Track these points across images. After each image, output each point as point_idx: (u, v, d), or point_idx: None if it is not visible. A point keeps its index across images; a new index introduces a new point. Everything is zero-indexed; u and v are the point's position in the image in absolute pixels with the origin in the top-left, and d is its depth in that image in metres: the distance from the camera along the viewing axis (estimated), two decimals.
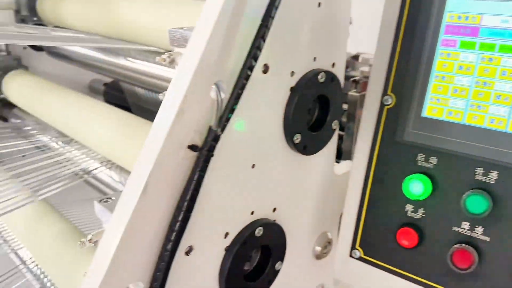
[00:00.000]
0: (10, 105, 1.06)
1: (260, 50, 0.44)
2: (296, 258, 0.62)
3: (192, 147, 0.42)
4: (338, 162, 0.73)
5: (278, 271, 0.58)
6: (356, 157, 0.56)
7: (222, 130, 0.43)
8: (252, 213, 0.53)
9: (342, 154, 0.84)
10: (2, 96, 1.06)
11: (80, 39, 0.81)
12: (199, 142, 0.43)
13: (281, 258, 0.58)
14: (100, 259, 0.40)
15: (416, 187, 0.51)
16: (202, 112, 0.43)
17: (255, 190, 0.53)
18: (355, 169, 0.56)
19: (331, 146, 0.62)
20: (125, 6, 0.75)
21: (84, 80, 1.21)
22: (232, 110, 0.43)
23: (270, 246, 0.56)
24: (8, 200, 0.66)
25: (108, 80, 1.18)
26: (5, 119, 1.08)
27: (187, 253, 0.46)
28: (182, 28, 0.50)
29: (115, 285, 0.41)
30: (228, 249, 0.51)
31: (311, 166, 0.60)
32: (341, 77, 0.58)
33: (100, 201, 0.49)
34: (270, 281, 0.58)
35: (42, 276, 0.72)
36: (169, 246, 0.42)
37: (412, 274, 0.52)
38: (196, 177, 0.42)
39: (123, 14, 0.74)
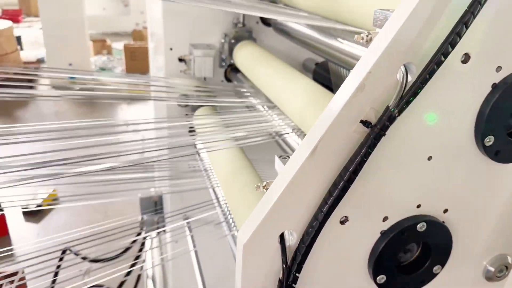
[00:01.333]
0: (236, 70, 1.25)
1: (460, 37, 0.41)
2: (460, 270, 0.58)
3: (365, 123, 0.43)
4: None
5: (435, 275, 0.55)
6: None
7: (400, 112, 0.43)
8: (418, 206, 0.51)
9: None
10: (232, 61, 1.25)
11: (300, 16, 0.88)
12: (373, 119, 0.44)
13: (441, 262, 0.55)
14: (265, 202, 0.47)
15: None
16: (383, 91, 0.43)
17: (427, 185, 0.51)
18: None
19: None
20: None
21: (299, 57, 1.31)
22: (415, 94, 0.43)
23: (432, 246, 0.53)
24: (214, 141, 0.80)
25: (321, 60, 1.25)
26: (230, 81, 1.27)
27: (342, 222, 0.49)
28: (388, 10, 0.50)
29: (273, 226, 0.46)
30: (384, 233, 0.51)
31: (502, 175, 0.53)
32: None
33: (280, 157, 0.56)
34: (424, 282, 0.55)
35: (228, 212, 0.85)
36: (325, 209, 0.45)
37: None
38: (363, 152, 0.44)
39: None
